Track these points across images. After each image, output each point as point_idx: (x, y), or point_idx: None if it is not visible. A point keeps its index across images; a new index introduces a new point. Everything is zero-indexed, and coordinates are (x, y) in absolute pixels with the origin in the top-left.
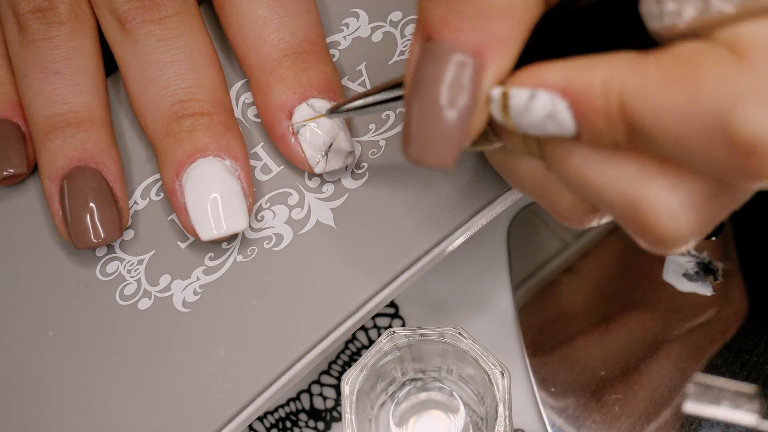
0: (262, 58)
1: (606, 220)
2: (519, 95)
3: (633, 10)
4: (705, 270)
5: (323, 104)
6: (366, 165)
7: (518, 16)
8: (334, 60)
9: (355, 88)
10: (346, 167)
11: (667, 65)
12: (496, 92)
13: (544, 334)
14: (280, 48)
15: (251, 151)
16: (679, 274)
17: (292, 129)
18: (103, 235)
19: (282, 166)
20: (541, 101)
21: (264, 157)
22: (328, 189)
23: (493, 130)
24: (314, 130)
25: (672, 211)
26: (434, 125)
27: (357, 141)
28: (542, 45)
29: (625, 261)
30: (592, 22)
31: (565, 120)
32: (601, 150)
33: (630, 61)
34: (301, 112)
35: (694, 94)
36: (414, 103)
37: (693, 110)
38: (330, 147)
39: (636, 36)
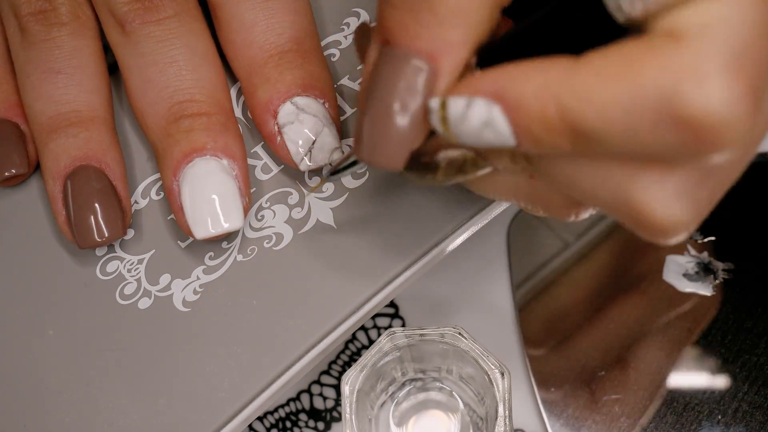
0: (249, 59)
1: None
2: (456, 104)
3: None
4: (705, 270)
5: (307, 102)
6: (366, 165)
7: (473, 22)
8: (334, 59)
9: (356, 87)
10: (331, 163)
11: (603, 64)
12: (435, 102)
13: (544, 334)
14: (266, 49)
15: (251, 151)
16: (679, 274)
17: (278, 128)
18: (106, 234)
19: (282, 166)
20: (478, 109)
21: (264, 157)
22: (328, 188)
23: (480, 156)
24: (298, 127)
25: (664, 202)
26: (385, 128)
27: None
28: (511, 49)
29: (625, 261)
30: (557, 24)
31: (501, 127)
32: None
33: (564, 65)
34: (286, 110)
35: (637, 85)
36: (368, 105)
37: (637, 99)
38: (314, 144)
39: (605, 30)
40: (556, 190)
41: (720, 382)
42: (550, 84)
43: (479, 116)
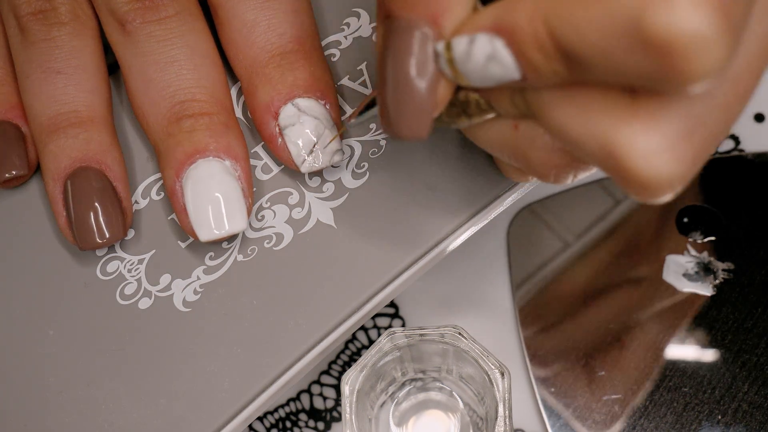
0: (250, 60)
1: (583, 174)
2: (460, 42)
3: None
4: (705, 270)
5: (309, 104)
6: (366, 165)
7: None
8: (334, 59)
9: (356, 87)
10: (333, 165)
11: None
12: (440, 46)
13: (544, 334)
14: (267, 50)
15: (252, 151)
16: (679, 274)
17: (279, 129)
18: (107, 236)
19: (282, 166)
20: (480, 44)
21: (264, 157)
22: (329, 188)
23: (484, 100)
24: (299, 129)
25: (648, 154)
26: (405, 98)
27: (357, 140)
28: None
29: (625, 261)
30: None
31: (505, 59)
32: (574, 99)
33: None
34: (287, 112)
35: (609, 5)
36: (384, 81)
37: (610, 21)
38: (315, 145)
39: None
40: (538, 146)
41: (720, 381)
42: (540, 4)
43: (483, 51)
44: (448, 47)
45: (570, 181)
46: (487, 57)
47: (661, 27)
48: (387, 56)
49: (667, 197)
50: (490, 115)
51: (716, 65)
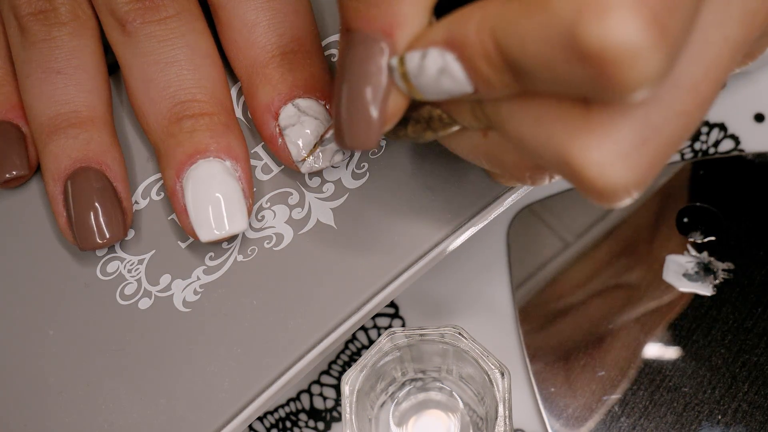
0: (251, 60)
1: (558, 176)
2: (412, 57)
3: None
4: (705, 270)
5: (309, 104)
6: (366, 165)
7: None
8: (334, 59)
9: None
10: (333, 165)
11: None
12: (394, 61)
13: (544, 333)
14: (268, 50)
15: (252, 151)
16: (679, 274)
17: (279, 129)
18: (108, 236)
19: (282, 166)
20: (432, 58)
21: (264, 157)
22: (329, 189)
23: (447, 114)
24: (299, 129)
25: (602, 163)
26: (355, 110)
27: None
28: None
29: (625, 261)
30: None
31: (456, 72)
32: (530, 110)
33: (498, 1)
34: (287, 112)
35: (547, 16)
36: (340, 90)
37: (548, 32)
38: (315, 146)
39: None
40: (510, 150)
41: (720, 381)
42: (487, 17)
43: (434, 65)
44: (402, 62)
45: (547, 183)
46: (439, 71)
47: (594, 38)
48: (342, 67)
49: (626, 202)
50: (455, 128)
51: (652, 75)
